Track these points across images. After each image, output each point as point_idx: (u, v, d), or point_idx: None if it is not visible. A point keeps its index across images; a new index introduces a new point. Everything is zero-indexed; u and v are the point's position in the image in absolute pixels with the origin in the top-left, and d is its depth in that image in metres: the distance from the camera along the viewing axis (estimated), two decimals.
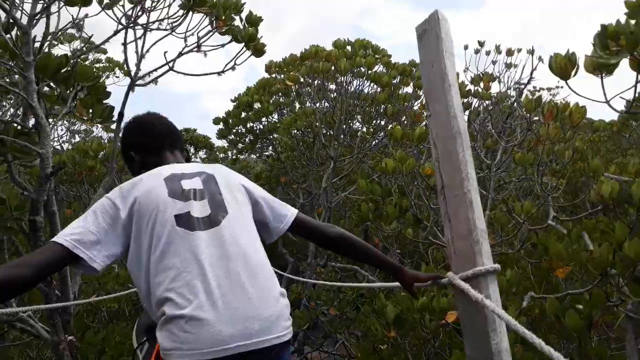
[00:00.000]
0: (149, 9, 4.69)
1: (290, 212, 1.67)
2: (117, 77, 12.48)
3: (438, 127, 2.09)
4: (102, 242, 1.36)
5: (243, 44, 4.85)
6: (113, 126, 5.56)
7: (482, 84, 8.01)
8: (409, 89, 7.71)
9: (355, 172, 8.44)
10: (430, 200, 4.75)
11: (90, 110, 3.28)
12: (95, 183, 6.93)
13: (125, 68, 4.80)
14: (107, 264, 1.39)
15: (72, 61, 3.35)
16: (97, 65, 13.07)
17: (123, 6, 4.53)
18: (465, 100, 7.73)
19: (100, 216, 1.40)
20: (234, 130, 10.25)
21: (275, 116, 10.45)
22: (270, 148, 11.64)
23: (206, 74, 4.92)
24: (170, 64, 4.80)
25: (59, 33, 3.62)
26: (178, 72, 4.83)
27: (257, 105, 10.08)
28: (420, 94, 7.29)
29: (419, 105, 7.03)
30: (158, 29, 4.93)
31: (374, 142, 7.39)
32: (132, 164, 1.75)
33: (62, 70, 3.24)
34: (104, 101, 3.61)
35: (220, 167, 1.67)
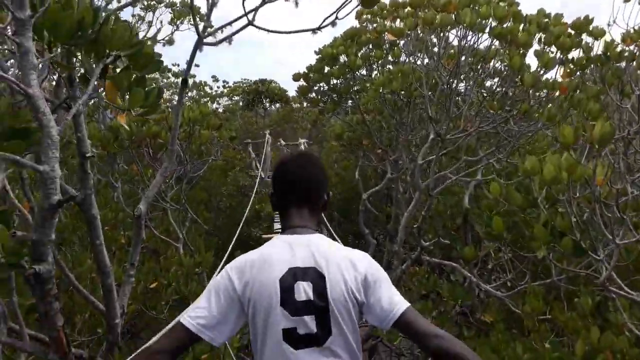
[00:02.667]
0: None
1: (395, 309, 1.53)
2: (192, 25, 11.34)
3: None
4: (223, 322, 1.51)
5: None
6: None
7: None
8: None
9: (460, 149, 6.97)
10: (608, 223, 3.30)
11: (127, 95, 2.14)
12: (160, 150, 5.97)
13: (192, 20, 3.63)
14: (226, 339, 1.59)
15: (103, 15, 2.18)
16: (173, 8, 12.00)
17: None
18: (618, 65, 5.94)
19: (222, 297, 1.53)
20: (315, 88, 8.95)
21: (363, 71, 9.01)
22: (350, 109, 10.26)
23: (298, 31, 3.63)
24: (250, 17, 3.55)
25: None
26: (260, 28, 3.57)
27: (342, 59, 8.68)
28: (559, 56, 5.58)
29: (561, 72, 5.36)
30: None
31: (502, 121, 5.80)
32: (271, 201, 1.78)
33: (86, 31, 2.08)
34: (152, 74, 2.44)
35: (336, 259, 1.57)
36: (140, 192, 6.83)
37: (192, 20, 11.26)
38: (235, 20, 3.71)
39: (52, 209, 1.92)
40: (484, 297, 6.71)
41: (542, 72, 5.09)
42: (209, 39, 3.75)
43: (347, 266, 1.56)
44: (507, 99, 5.51)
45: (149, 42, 11.94)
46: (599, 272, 3.73)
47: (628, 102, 5.83)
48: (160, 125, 5.55)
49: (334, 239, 9.05)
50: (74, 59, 2.31)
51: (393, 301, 1.54)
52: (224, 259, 6.63)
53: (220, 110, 21.69)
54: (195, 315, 1.49)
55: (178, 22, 11.87)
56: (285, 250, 1.57)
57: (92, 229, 3.26)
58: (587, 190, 3.61)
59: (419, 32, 6.98)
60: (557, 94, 5.55)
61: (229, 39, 3.71)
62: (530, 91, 5.10)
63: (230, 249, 7.39)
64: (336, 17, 3.53)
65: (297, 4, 3.57)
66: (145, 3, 11.53)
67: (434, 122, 5.93)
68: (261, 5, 3.58)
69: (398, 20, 7.92)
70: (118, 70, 2.24)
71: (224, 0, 3.89)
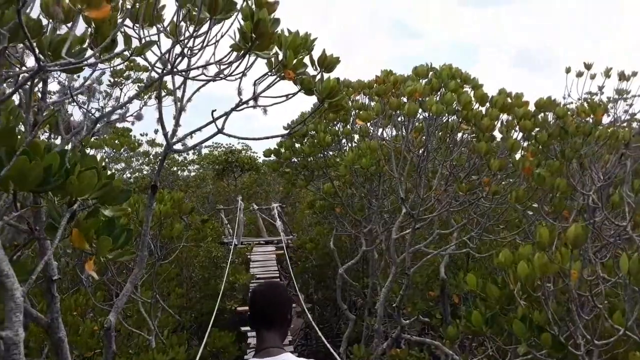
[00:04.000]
0: (189, 50, 3.50)
1: None
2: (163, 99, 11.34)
3: None
4: None
5: (316, 96, 3.55)
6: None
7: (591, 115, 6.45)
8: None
9: (433, 223, 7.04)
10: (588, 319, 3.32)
11: (94, 241, 2.08)
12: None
13: (160, 127, 3.65)
14: None
15: (70, 157, 2.15)
16: (139, 85, 12.03)
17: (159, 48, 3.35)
18: (574, 140, 6.17)
19: None
20: (287, 163, 9.02)
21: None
22: (322, 184, 10.35)
23: (269, 137, 3.65)
24: (220, 124, 3.57)
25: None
26: (230, 136, 3.59)
27: (311, 133, 8.81)
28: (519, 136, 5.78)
29: (523, 153, 5.53)
30: (202, 75, 3.73)
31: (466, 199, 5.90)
32: (250, 320, 2.25)
33: (53, 177, 2.04)
34: (121, 206, 2.39)
35: None
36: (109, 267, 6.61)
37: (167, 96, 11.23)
38: (205, 126, 3.72)
39: None
40: None
41: (508, 154, 5.25)
42: (178, 146, 3.76)
43: None
44: (475, 182, 5.63)
45: (117, 124, 11.89)
46: None
47: (587, 175, 6.03)
48: (129, 217, 5.43)
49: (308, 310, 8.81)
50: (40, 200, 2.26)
51: None
52: (202, 344, 6.39)
53: (192, 175, 21.58)
54: None
55: (146, 98, 11.93)
56: None
57: (58, 353, 3.12)
58: (560, 281, 3.64)
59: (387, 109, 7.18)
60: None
61: (198, 146, 3.72)
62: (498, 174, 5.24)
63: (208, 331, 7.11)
64: (304, 124, 3.59)
65: (265, 111, 3.62)
66: (112, 80, 11.59)
67: (406, 201, 5.99)
68: (229, 113, 3.61)
69: (361, 95, 8.17)
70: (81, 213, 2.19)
71: (191, 104, 3.90)
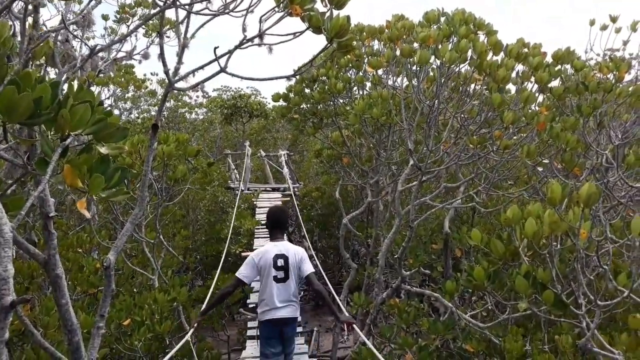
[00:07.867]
0: None
1: (306, 273, 4.37)
2: (168, 37, 11.04)
3: None
4: (251, 275, 4.40)
5: (324, 36, 3.37)
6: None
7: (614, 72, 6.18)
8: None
9: (440, 177, 6.93)
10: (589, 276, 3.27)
11: (87, 179, 2.00)
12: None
13: (162, 64, 3.51)
14: (251, 282, 4.83)
15: (64, 88, 2.04)
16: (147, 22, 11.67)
17: None
18: (594, 97, 5.94)
19: (250, 265, 4.37)
20: (295, 109, 8.82)
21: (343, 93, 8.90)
22: (330, 132, 10.16)
23: (273, 78, 3.50)
24: (222, 63, 3.41)
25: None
26: (233, 75, 3.44)
27: (322, 79, 8.57)
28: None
29: (540, 107, 5.33)
30: (206, 9, 3.56)
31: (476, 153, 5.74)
32: (267, 225, 4.68)
33: (44, 109, 1.94)
34: (118, 143, 2.30)
35: (292, 251, 4.43)
36: (113, 207, 6.59)
37: (171, 33, 10.79)
38: (207, 64, 3.57)
39: (6, 310, 1.78)
40: (466, 325, 6.66)
41: (522, 106, 5.05)
42: (180, 84, 3.63)
43: (295, 254, 4.39)
44: (486, 135, 5.46)
45: (124, 62, 11.62)
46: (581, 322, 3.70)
47: (604, 134, 5.85)
48: (133, 157, 5.37)
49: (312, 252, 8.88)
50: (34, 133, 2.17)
51: (307, 269, 4.35)
52: (211, 289, 6.37)
53: (200, 118, 21.37)
54: (241, 273, 4.33)
55: (153, 35, 11.58)
56: (273, 248, 4.39)
57: (56, 289, 3.12)
58: (568, 240, 3.57)
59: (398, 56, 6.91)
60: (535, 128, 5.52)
61: (200, 84, 3.58)
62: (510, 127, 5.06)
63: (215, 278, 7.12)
64: (312, 65, 3.43)
65: (270, 50, 3.45)
66: (118, 16, 11.23)
67: (414, 153, 5.86)
68: (233, 51, 3.45)
69: (376, 40, 7.87)
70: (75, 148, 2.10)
71: (196, 42, 3.73)
